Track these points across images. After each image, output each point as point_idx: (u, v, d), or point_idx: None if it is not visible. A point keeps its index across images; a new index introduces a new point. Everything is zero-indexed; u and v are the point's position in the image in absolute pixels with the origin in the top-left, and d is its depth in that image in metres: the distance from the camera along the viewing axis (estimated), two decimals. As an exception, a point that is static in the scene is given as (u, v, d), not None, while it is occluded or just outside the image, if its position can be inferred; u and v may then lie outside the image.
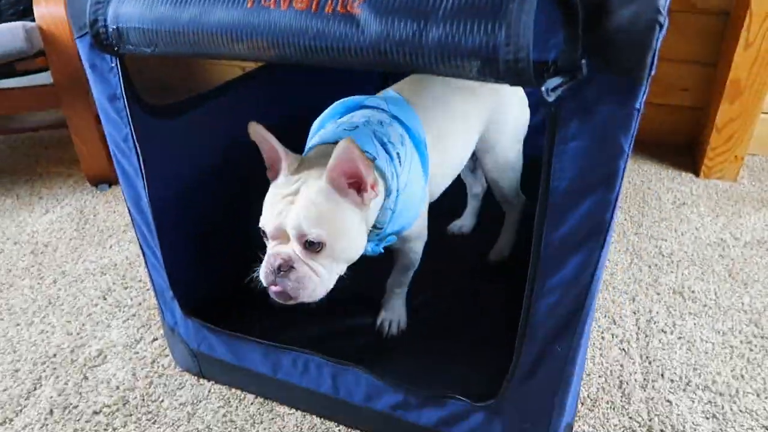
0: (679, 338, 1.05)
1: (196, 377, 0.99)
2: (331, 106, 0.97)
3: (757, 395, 0.93)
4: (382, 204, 0.84)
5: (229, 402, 0.95)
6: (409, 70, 0.57)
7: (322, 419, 0.91)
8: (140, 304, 1.17)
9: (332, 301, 1.09)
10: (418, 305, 1.08)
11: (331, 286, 0.80)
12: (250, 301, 1.09)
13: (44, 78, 1.74)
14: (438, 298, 1.13)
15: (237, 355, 0.93)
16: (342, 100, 0.97)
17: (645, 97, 0.52)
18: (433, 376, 0.89)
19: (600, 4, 0.50)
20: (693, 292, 1.16)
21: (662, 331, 1.06)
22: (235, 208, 1.04)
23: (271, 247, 0.78)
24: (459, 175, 1.24)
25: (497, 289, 1.14)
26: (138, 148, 0.80)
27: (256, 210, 0.80)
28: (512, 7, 0.50)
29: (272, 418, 0.91)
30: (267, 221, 0.78)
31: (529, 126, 1.12)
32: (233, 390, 0.97)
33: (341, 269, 0.81)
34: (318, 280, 0.77)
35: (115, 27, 0.67)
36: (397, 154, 0.85)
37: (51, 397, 0.96)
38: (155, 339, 1.08)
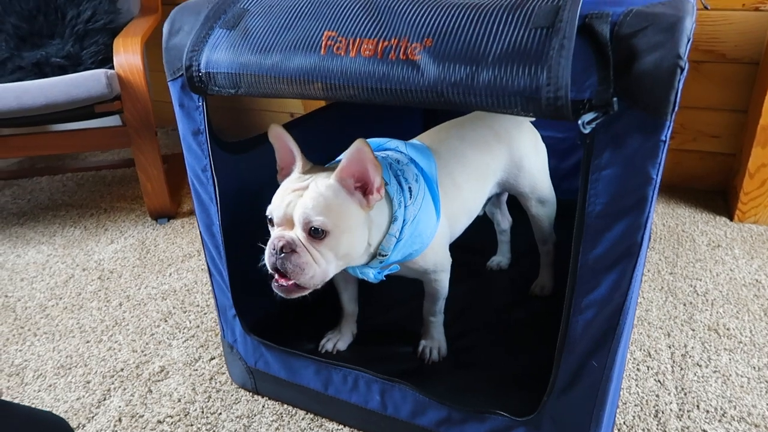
0: (714, 372, 1.08)
1: (251, 393, 1.06)
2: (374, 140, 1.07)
3: (793, 428, 0.95)
4: (386, 229, 0.89)
5: (282, 417, 1.01)
6: (463, 108, 0.65)
7: (369, 435, 0.97)
8: (198, 326, 1.26)
9: (376, 331, 1.17)
10: (458, 333, 1.13)
11: (329, 277, 0.84)
12: (301, 324, 1.18)
13: (112, 120, 1.91)
14: (479, 327, 1.18)
15: (291, 372, 1.00)
16: (377, 139, 1.07)
17: (670, 131, 0.60)
18: (474, 395, 0.95)
19: (629, 50, 0.58)
20: (728, 329, 1.19)
21: (697, 364, 1.10)
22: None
23: (276, 231, 0.84)
24: (487, 215, 1.34)
25: (536, 319, 1.19)
26: (215, 177, 0.90)
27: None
28: (552, 53, 0.59)
29: (322, 432, 0.98)
30: (275, 208, 0.84)
31: (559, 171, 1.20)
32: (285, 406, 1.03)
33: (340, 265, 0.86)
34: (317, 268, 0.82)
35: (206, 71, 0.78)
36: (409, 188, 0.92)
37: (119, 406, 1.04)
38: (213, 358, 1.16)
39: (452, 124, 1.16)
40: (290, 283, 0.82)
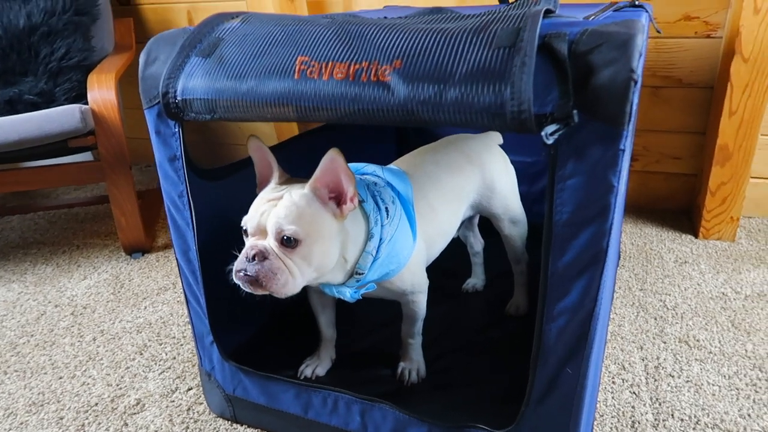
0: (687, 382, 1.10)
1: (229, 422, 1.05)
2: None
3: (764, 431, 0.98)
4: (362, 245, 0.91)
5: (262, 444, 1.00)
6: (433, 125, 0.68)
7: (351, 457, 0.96)
8: (174, 358, 1.24)
9: (354, 355, 1.17)
10: (436, 355, 1.14)
11: (300, 287, 0.85)
12: (278, 351, 1.18)
13: (84, 157, 1.90)
14: (456, 348, 1.19)
15: (270, 397, 0.99)
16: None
17: (628, 140, 0.63)
18: (453, 412, 0.95)
19: (586, 66, 0.62)
20: (698, 340, 1.22)
21: (670, 375, 1.12)
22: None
23: (249, 240, 0.85)
24: (460, 238, 1.37)
25: (513, 338, 1.21)
26: (191, 203, 0.91)
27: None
28: (515, 70, 0.62)
29: (303, 458, 0.97)
30: (249, 219, 0.85)
31: (530, 195, 1.25)
32: (265, 433, 1.02)
33: (312, 275, 0.86)
34: (289, 276, 0.82)
35: (182, 98, 0.80)
36: (386, 208, 0.94)
37: (94, 441, 1.02)
38: (190, 389, 1.14)
39: (426, 150, 1.19)
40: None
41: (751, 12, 1.36)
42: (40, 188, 2.34)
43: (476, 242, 1.41)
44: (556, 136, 0.62)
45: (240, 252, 0.85)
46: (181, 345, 1.29)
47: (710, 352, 1.18)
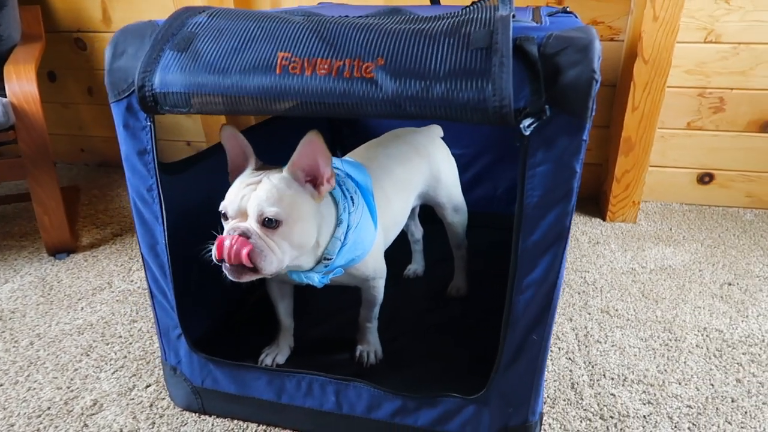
0: (612, 346, 1.25)
1: (197, 414, 1.06)
2: None
3: (679, 383, 1.13)
4: (332, 230, 0.96)
5: (234, 432, 1.02)
6: (416, 118, 0.74)
7: (325, 437, 1.01)
8: (125, 356, 1.22)
9: (311, 342, 1.21)
10: (389, 338, 1.20)
11: (284, 266, 0.88)
12: (238, 341, 1.19)
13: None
14: (406, 330, 1.27)
15: (241, 385, 1.01)
16: None
17: (588, 131, 0.73)
18: (419, 386, 1.02)
19: (554, 67, 0.70)
20: (617, 310, 1.38)
21: (598, 341, 1.26)
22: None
23: (230, 223, 0.87)
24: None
25: (455, 319, 1.31)
26: (162, 196, 0.91)
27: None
28: (494, 69, 0.70)
29: (278, 441, 1.00)
30: (229, 203, 0.87)
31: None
32: (236, 422, 1.04)
33: (293, 254, 0.89)
34: (272, 255, 0.86)
35: (160, 91, 0.80)
36: (351, 197, 1.01)
37: (54, 445, 0.99)
38: (149, 385, 1.13)
39: (377, 143, 1.25)
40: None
41: (651, 19, 1.54)
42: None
43: (417, 230, 1.49)
44: (531, 128, 0.71)
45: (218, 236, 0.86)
46: (130, 344, 1.26)
47: (627, 320, 1.34)
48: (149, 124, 0.87)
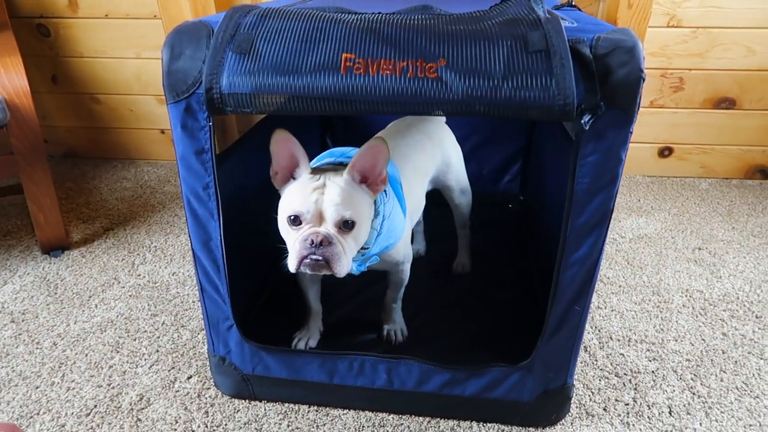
0: (612, 311, 1.37)
1: (247, 400, 1.10)
2: (321, 155, 1.17)
3: (676, 341, 1.27)
4: (371, 222, 1.01)
5: (287, 415, 1.07)
6: (483, 117, 0.81)
7: (375, 412, 1.07)
8: (157, 350, 1.23)
9: (337, 325, 1.26)
10: (409, 317, 1.27)
11: (351, 266, 0.94)
12: (267, 328, 1.23)
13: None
14: (420, 307, 1.33)
15: (294, 370, 1.06)
16: (330, 150, 1.18)
17: (634, 124, 0.82)
18: (448, 359, 1.10)
19: (605, 67, 0.78)
20: (608, 278, 1.51)
21: (599, 308, 1.38)
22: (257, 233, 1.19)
23: (307, 229, 0.91)
24: None
25: (466, 294, 1.39)
26: (218, 193, 0.93)
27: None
28: (557, 70, 0.77)
29: (332, 420, 1.06)
30: (304, 208, 0.90)
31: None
32: (287, 404, 1.09)
33: (355, 252, 0.95)
34: (346, 258, 0.91)
35: (228, 92, 0.83)
36: (384, 189, 1.07)
37: (113, 440, 1.01)
38: (190, 377, 1.16)
39: (395, 132, 1.29)
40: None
41: (626, 6, 1.66)
42: None
43: None
44: (589, 123, 0.79)
45: (295, 240, 0.90)
46: (158, 338, 1.27)
47: (620, 286, 1.47)
48: (209, 124, 0.89)
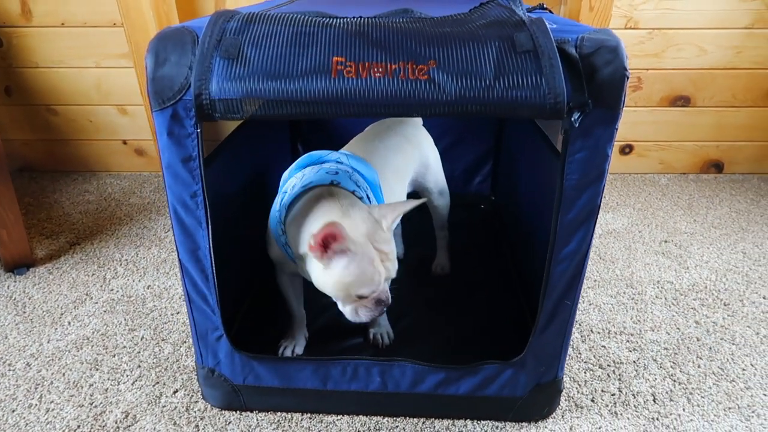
0: (590, 305, 1.41)
1: (238, 412, 1.08)
2: (299, 159, 1.17)
3: (652, 330, 1.32)
4: None
5: (281, 424, 1.05)
6: (475, 117, 0.82)
7: (369, 416, 1.07)
8: (139, 366, 1.20)
9: (322, 331, 1.25)
10: (395, 317, 1.28)
11: None
12: (252, 338, 1.21)
13: None
14: (407, 308, 1.34)
15: (286, 378, 1.04)
16: (308, 154, 1.18)
17: (619, 121, 0.85)
18: (437, 358, 1.11)
19: (590, 66, 0.81)
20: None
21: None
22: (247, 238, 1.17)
23: (378, 293, 0.98)
24: None
25: (447, 294, 1.41)
26: (207, 201, 0.91)
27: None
28: (546, 70, 0.79)
29: (326, 426, 1.05)
30: (379, 289, 0.97)
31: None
32: (279, 413, 1.07)
33: None
34: None
35: (218, 98, 0.82)
36: (367, 195, 1.08)
37: (101, 461, 0.97)
38: (176, 391, 1.13)
39: (374, 136, 1.30)
40: None
41: (588, 9, 1.71)
42: None
43: None
44: (579, 120, 0.81)
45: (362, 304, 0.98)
46: (138, 353, 1.23)
47: (595, 281, 1.52)
48: (197, 131, 0.87)
